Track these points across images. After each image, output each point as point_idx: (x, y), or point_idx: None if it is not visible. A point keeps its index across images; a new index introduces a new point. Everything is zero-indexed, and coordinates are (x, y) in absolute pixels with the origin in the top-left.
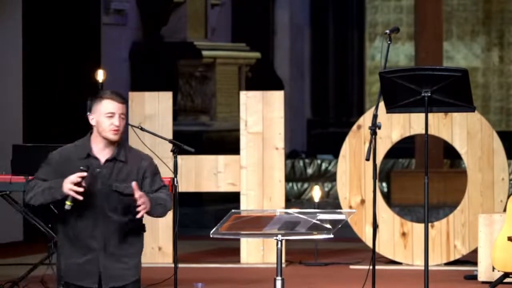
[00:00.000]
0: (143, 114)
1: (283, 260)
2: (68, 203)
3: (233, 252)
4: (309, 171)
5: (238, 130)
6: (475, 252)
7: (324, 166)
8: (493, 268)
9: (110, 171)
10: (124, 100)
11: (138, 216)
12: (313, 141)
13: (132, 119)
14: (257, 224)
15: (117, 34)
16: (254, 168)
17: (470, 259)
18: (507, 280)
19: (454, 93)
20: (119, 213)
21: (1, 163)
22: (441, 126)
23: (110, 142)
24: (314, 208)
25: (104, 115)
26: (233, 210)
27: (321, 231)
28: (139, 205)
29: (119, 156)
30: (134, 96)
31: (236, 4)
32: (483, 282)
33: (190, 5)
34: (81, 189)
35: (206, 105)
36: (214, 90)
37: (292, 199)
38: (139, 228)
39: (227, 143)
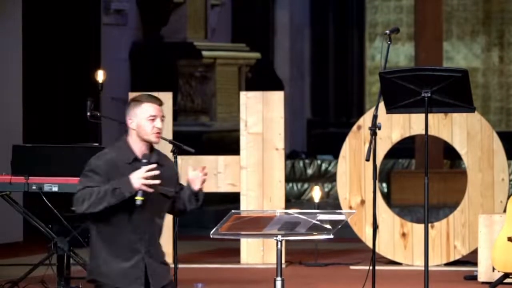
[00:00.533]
0: None
1: (283, 261)
2: (139, 198)
3: (233, 253)
4: (309, 171)
5: (238, 130)
6: (475, 252)
7: (324, 166)
8: (493, 269)
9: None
10: (162, 102)
11: (198, 186)
12: (313, 142)
13: None
14: (257, 224)
15: (117, 34)
16: (254, 169)
17: (470, 259)
18: (507, 280)
19: (454, 93)
20: (161, 216)
21: (1, 163)
22: (441, 127)
23: (149, 145)
24: (314, 209)
25: (145, 118)
26: (233, 211)
27: (321, 231)
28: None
29: (159, 159)
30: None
31: (236, 4)
32: (483, 283)
33: (190, 5)
34: (156, 181)
35: (206, 106)
36: (214, 90)
37: (292, 200)
38: (162, 229)
39: (227, 143)
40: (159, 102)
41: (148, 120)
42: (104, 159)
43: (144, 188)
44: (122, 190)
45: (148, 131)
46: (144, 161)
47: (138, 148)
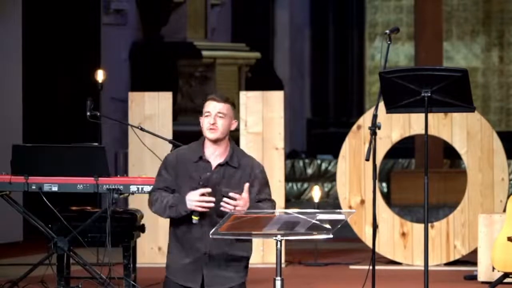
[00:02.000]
0: (143, 114)
1: (283, 260)
2: (195, 218)
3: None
4: (309, 171)
5: (238, 130)
6: (475, 252)
7: (324, 166)
8: (493, 268)
9: (220, 176)
10: (224, 100)
11: (222, 208)
12: (313, 141)
13: (132, 119)
14: (257, 224)
15: (117, 34)
16: None
17: (470, 259)
18: (507, 280)
19: (454, 93)
20: (223, 217)
21: (1, 163)
22: (441, 126)
23: (217, 144)
24: (314, 208)
25: (204, 115)
26: (233, 210)
27: (320, 231)
28: (233, 203)
29: (231, 161)
30: (134, 96)
31: (236, 4)
32: (483, 282)
33: (190, 5)
34: (210, 205)
35: None
36: (214, 90)
37: (292, 199)
38: None
39: None
40: (219, 99)
41: (205, 117)
42: (176, 154)
43: (198, 209)
44: (178, 208)
45: (204, 127)
46: (201, 183)
47: (208, 148)
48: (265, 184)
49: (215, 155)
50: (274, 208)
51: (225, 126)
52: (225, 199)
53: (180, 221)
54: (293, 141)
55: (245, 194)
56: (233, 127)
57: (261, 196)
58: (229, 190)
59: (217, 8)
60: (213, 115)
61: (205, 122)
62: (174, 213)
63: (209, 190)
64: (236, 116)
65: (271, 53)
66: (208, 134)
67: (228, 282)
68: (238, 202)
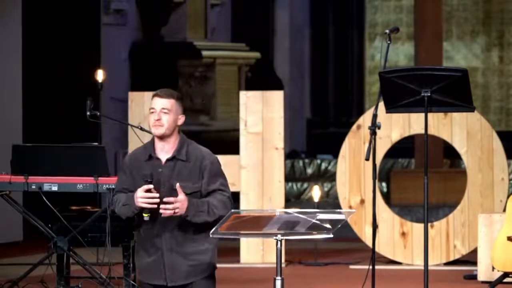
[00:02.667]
0: (143, 114)
1: (283, 260)
2: (145, 215)
3: (233, 252)
4: (309, 171)
5: (237, 130)
6: (474, 252)
7: (323, 166)
8: (493, 268)
9: (171, 171)
10: (168, 96)
11: (162, 215)
12: (313, 141)
13: (132, 119)
14: (257, 224)
15: (117, 34)
16: (253, 168)
17: (470, 259)
18: (506, 280)
19: (454, 93)
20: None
21: (1, 163)
22: (441, 126)
23: (165, 140)
24: (314, 208)
25: (149, 111)
26: (232, 210)
27: (320, 231)
28: (171, 207)
29: (179, 154)
30: (134, 96)
31: (236, 4)
32: (482, 282)
33: (190, 5)
34: (154, 201)
35: (206, 105)
36: (214, 90)
37: (292, 199)
38: (205, 227)
39: (226, 143)
40: (163, 95)
41: (150, 113)
42: (130, 155)
43: (145, 206)
44: (131, 207)
45: (150, 124)
46: (144, 179)
47: (157, 144)
48: (216, 174)
49: (164, 151)
50: (226, 200)
51: (170, 122)
52: (162, 205)
53: (141, 221)
54: (293, 141)
55: (180, 195)
56: (180, 122)
57: (210, 187)
58: (181, 184)
59: (217, 8)
60: (158, 111)
61: (150, 119)
62: (129, 211)
63: (151, 186)
64: (236, 116)
65: (271, 53)
66: (153, 130)
67: (194, 276)
68: (175, 205)
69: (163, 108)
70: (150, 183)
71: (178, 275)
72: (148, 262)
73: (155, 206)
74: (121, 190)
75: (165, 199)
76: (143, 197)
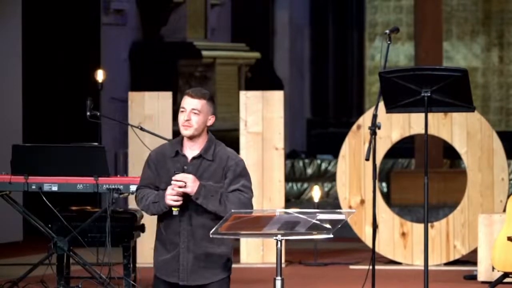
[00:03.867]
0: (143, 114)
1: (283, 260)
2: (174, 209)
3: (233, 252)
4: (309, 171)
5: (237, 130)
6: (474, 252)
7: (323, 166)
8: (493, 268)
9: (195, 169)
10: (199, 96)
11: (173, 187)
12: (313, 141)
13: (132, 119)
14: (257, 224)
15: (117, 34)
16: (253, 168)
17: (470, 259)
18: (506, 280)
19: (454, 93)
20: (200, 212)
21: (1, 163)
22: (441, 126)
23: (193, 139)
24: (314, 208)
25: (180, 111)
26: (232, 210)
27: (320, 231)
28: (181, 181)
29: (206, 154)
30: (134, 96)
31: (236, 4)
32: (482, 282)
33: (190, 5)
34: (181, 200)
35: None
36: (214, 90)
37: (292, 199)
38: None
39: (226, 143)
40: (194, 95)
41: (180, 113)
42: (157, 150)
43: (174, 203)
44: (160, 204)
45: (179, 123)
46: (175, 171)
47: (186, 142)
48: (239, 176)
49: (192, 149)
50: (245, 200)
51: (199, 123)
52: (172, 181)
53: (162, 218)
54: (293, 141)
55: (190, 175)
56: (209, 123)
57: (231, 187)
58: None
59: (217, 8)
60: (188, 112)
61: (180, 118)
62: (158, 208)
63: (179, 183)
64: (236, 116)
65: (271, 53)
66: (182, 130)
67: (207, 278)
68: (184, 179)
69: (193, 109)
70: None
71: (192, 275)
72: (164, 259)
73: (180, 203)
74: (146, 185)
75: (173, 177)
76: (171, 194)
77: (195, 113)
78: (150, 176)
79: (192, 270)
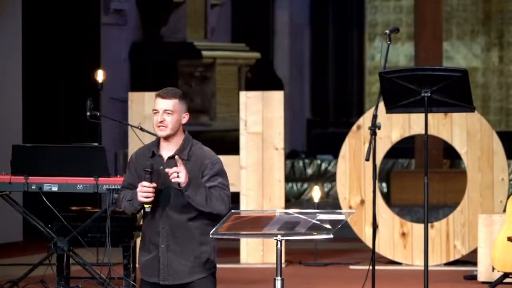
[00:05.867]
0: (142, 114)
1: (283, 260)
2: (146, 206)
3: (233, 252)
4: (309, 171)
5: (237, 130)
6: (474, 252)
7: (323, 166)
8: (493, 268)
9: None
10: (171, 96)
11: (170, 178)
12: (313, 141)
13: (132, 119)
14: (257, 224)
15: (117, 34)
16: (253, 168)
17: (470, 259)
18: (506, 280)
19: (453, 93)
20: (179, 211)
21: (1, 163)
22: (441, 126)
23: (169, 140)
24: (314, 208)
25: (153, 112)
26: (232, 211)
27: (321, 231)
28: (175, 169)
29: (181, 154)
30: (134, 96)
31: (236, 4)
32: (482, 282)
33: (190, 5)
34: (151, 195)
35: (206, 105)
36: (213, 90)
37: (292, 199)
38: (205, 226)
39: (226, 143)
40: (166, 96)
41: (154, 114)
42: (137, 152)
43: (142, 199)
44: (133, 202)
45: (154, 125)
46: (145, 169)
47: (162, 143)
48: (216, 174)
49: (167, 149)
50: (224, 197)
51: (174, 123)
52: (167, 169)
53: (145, 218)
54: (293, 141)
55: (181, 166)
56: (184, 121)
57: (209, 183)
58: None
59: (217, 8)
60: (161, 113)
61: (154, 120)
62: (133, 207)
63: (148, 183)
64: (236, 116)
65: (271, 53)
66: (157, 131)
67: (187, 277)
68: (177, 169)
69: (166, 110)
70: (151, 173)
71: (173, 274)
72: (146, 259)
73: (153, 197)
74: (127, 187)
75: (167, 170)
76: (141, 191)
77: (168, 114)
78: (130, 177)
79: (172, 269)
